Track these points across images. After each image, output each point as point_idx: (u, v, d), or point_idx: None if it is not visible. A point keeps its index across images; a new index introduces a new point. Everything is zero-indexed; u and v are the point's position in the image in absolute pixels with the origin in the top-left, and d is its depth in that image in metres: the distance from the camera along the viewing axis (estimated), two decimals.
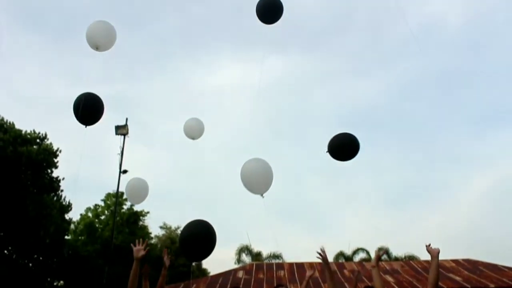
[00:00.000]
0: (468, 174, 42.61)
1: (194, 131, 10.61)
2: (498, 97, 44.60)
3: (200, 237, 4.74)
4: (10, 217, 17.66)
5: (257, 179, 6.30)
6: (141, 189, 8.94)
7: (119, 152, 15.29)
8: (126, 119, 15.02)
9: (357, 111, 46.07)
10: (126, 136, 14.77)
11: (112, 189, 24.52)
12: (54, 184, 20.40)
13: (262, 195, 6.15)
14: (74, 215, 22.24)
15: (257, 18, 7.95)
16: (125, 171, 15.87)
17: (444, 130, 45.40)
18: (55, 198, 20.30)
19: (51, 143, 20.68)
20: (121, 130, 14.18)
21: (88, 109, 6.87)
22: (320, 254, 4.36)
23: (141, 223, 26.64)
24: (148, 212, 26.72)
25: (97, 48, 7.48)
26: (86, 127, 6.88)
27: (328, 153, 6.51)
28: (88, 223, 25.19)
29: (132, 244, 3.96)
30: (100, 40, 7.55)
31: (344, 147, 6.47)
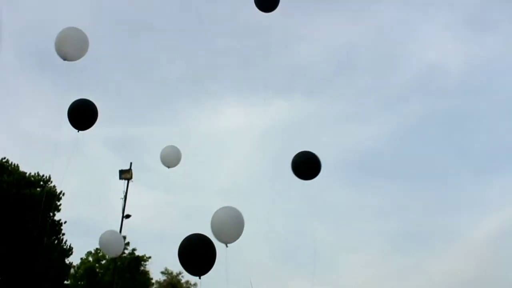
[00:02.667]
0: (474, 218, 41.99)
1: (170, 159, 10.44)
2: (502, 140, 44.55)
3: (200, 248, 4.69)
4: (9, 260, 17.40)
5: (228, 228, 6.12)
6: (114, 242, 8.75)
7: (123, 196, 15.22)
8: (131, 164, 15.02)
9: (360, 155, 46.02)
10: (130, 181, 14.71)
11: None
12: (56, 228, 20.23)
13: (226, 245, 5.97)
14: (74, 259, 21.93)
15: (256, 9, 7.96)
16: (128, 216, 15.72)
17: (448, 174, 45.11)
18: (56, 242, 20.08)
19: (54, 186, 20.66)
20: (125, 174, 14.14)
21: (82, 114, 6.79)
22: None
23: (142, 268, 26.17)
24: (149, 257, 26.30)
25: (65, 58, 6.84)
26: (78, 131, 6.80)
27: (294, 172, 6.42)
28: (89, 268, 24.76)
29: None
30: (70, 49, 6.85)
31: (306, 166, 6.38)
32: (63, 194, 20.54)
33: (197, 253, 5.44)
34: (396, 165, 45.34)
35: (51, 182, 20.72)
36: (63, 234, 20.49)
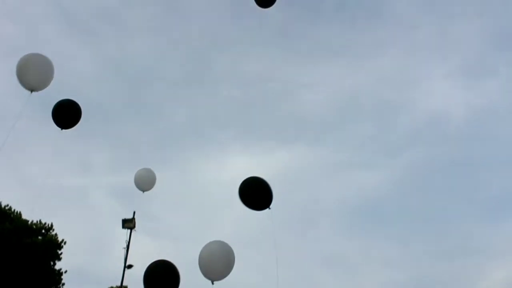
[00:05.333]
0: (483, 264, 41.02)
1: (144, 182, 10.18)
2: (509, 185, 44.18)
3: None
4: None
5: (216, 264, 5.90)
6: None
7: (125, 246, 14.98)
8: (134, 213, 14.88)
9: (365, 203, 45.59)
10: (133, 230, 14.53)
11: (115, 283, 23.73)
12: (56, 277, 19.90)
13: (212, 282, 5.74)
14: None
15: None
16: (130, 266, 15.42)
17: (453, 221, 44.48)
18: None
19: (56, 234, 20.50)
20: (128, 224, 13.96)
21: (66, 113, 6.69)
22: None
23: None
24: None
25: (32, 90, 6.47)
26: (61, 130, 6.67)
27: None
28: None
29: None
30: (35, 79, 6.41)
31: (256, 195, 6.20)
32: (65, 243, 20.37)
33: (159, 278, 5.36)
34: (400, 213, 44.83)
35: (53, 230, 20.61)
36: (63, 284, 20.12)
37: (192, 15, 39.55)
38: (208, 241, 6.20)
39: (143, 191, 10.64)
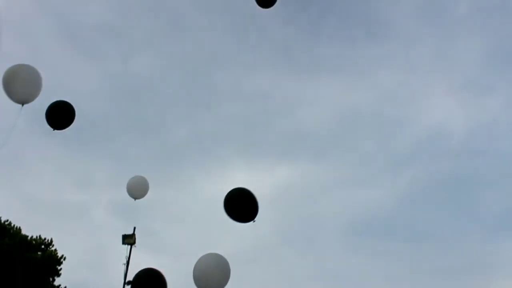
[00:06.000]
0: (488, 282, 40.61)
1: (136, 190, 10.07)
2: (509, 201, 44.04)
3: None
4: None
5: (210, 277, 5.82)
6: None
7: (125, 262, 14.86)
8: (134, 228, 14.78)
9: (366, 219, 45.38)
10: (133, 246, 14.43)
11: None
12: None
13: None
14: None
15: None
16: (130, 282, 15.26)
17: (457, 237, 44.22)
18: None
19: (55, 250, 20.42)
20: (128, 239, 13.86)
21: (59, 114, 6.65)
22: None
23: None
24: None
25: (22, 104, 6.33)
26: (53, 130, 6.61)
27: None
28: None
29: None
30: (23, 91, 6.24)
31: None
32: (64, 259, 20.27)
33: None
34: (403, 229, 44.58)
35: (53, 245, 20.53)
36: None
37: (194, 31, 39.87)
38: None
39: (135, 198, 10.55)
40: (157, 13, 38.01)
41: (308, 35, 41.09)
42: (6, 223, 20.03)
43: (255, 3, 7.71)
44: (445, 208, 43.71)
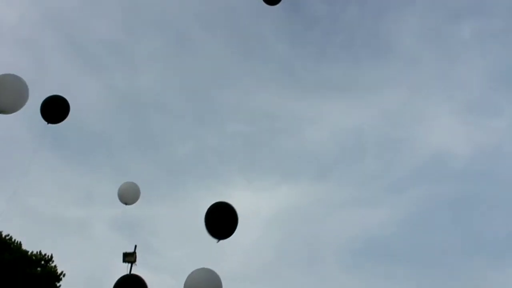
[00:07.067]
0: None
1: (128, 195, 9.99)
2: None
3: None
4: None
5: None
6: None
7: None
8: (135, 247, 14.66)
9: (369, 240, 45.01)
10: (133, 264, 14.30)
11: None
12: None
13: None
14: None
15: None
16: None
17: (461, 260, 43.75)
18: None
19: (55, 266, 20.30)
20: (129, 258, 13.71)
21: (53, 108, 6.66)
22: None
23: None
24: None
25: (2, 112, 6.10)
26: (48, 124, 6.59)
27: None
28: None
29: None
30: (6, 101, 6.03)
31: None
32: (64, 275, 20.13)
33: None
34: (406, 251, 44.19)
35: (53, 261, 20.42)
36: None
37: (199, 49, 40.17)
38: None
39: (126, 203, 10.47)
40: (163, 30, 38.40)
41: (313, 55, 41.32)
42: (7, 237, 19.95)
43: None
44: (449, 231, 43.35)
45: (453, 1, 37.17)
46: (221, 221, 6.22)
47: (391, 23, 39.32)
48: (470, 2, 38.24)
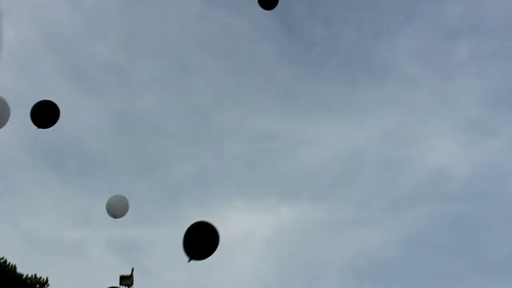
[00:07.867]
0: None
1: (116, 208, 9.84)
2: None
3: None
4: None
5: None
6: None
7: None
8: (132, 269, 14.45)
9: (369, 261, 44.62)
10: (130, 287, 14.08)
11: None
12: None
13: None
14: None
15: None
16: None
17: (461, 281, 43.34)
18: None
19: None
20: (126, 281, 13.52)
21: (43, 113, 6.63)
22: None
23: None
24: None
25: None
26: (38, 128, 6.55)
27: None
28: None
29: None
30: None
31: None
32: None
33: None
34: (405, 272, 43.79)
35: (48, 285, 20.11)
36: None
37: (197, 72, 40.41)
38: None
39: (115, 217, 10.30)
40: (162, 53, 38.61)
41: (310, 76, 41.62)
42: (2, 260, 19.66)
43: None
44: (449, 251, 43.04)
45: (449, 22, 37.66)
46: (198, 241, 6.08)
47: (387, 44, 39.73)
48: (465, 23, 38.75)
